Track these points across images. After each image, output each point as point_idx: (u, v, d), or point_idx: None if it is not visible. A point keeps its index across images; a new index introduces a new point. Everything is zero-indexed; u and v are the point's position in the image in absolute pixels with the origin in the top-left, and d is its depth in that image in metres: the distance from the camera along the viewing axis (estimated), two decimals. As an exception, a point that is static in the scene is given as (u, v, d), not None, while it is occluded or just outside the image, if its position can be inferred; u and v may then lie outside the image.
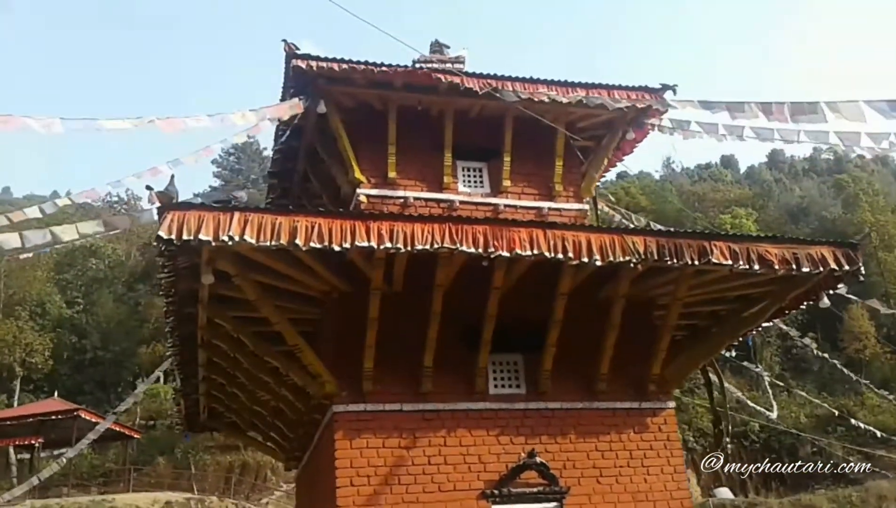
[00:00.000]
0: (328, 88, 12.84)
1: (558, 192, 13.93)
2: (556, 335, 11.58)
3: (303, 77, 12.67)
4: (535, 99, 12.96)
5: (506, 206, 13.49)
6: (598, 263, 10.52)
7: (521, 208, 13.59)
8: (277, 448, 15.71)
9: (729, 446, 15.29)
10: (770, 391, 33.70)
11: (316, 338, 11.74)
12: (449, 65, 14.29)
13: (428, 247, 10.01)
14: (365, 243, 9.83)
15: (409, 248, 9.95)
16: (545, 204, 13.76)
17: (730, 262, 10.91)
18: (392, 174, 13.26)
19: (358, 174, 13.10)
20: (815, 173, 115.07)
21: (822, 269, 11.27)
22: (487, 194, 13.74)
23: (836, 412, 36.97)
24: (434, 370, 11.43)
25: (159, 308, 53.94)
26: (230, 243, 9.43)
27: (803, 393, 42.01)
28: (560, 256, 10.41)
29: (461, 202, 13.36)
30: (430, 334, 11.19)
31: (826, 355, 26.35)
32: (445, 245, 10.07)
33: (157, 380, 52.55)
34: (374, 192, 13.13)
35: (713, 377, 15.10)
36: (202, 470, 47.14)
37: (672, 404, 12.57)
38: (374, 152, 13.35)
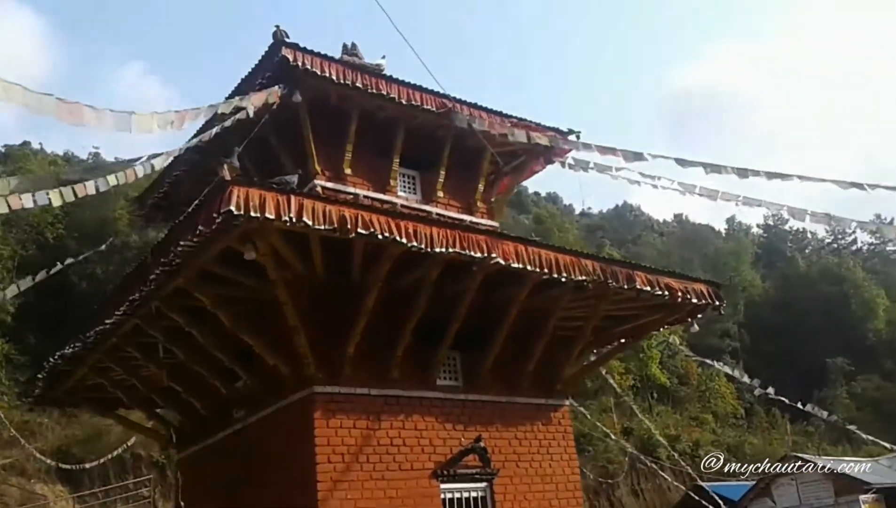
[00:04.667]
0: (305, 80, 13.25)
1: (478, 208, 15.56)
2: (504, 337, 13.19)
3: (286, 66, 12.97)
4: (488, 127, 14.44)
5: (437, 214, 14.75)
6: (563, 279, 12.39)
7: (448, 218, 14.92)
8: (168, 429, 15.41)
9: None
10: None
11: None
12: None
13: (443, 250, 11.17)
14: (399, 240, 10.75)
15: (430, 249, 11.04)
16: (466, 217, 15.26)
17: (648, 288, 13.36)
18: (347, 170, 13.97)
19: (317, 165, 13.64)
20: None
21: (702, 301, 14.18)
22: (420, 200, 14.96)
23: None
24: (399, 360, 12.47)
25: None
26: (288, 224, 9.87)
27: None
28: (537, 269, 12.10)
29: (401, 206, 14.40)
30: (408, 326, 12.23)
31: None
32: (456, 250, 11.30)
33: None
34: (329, 185, 13.72)
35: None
36: None
37: (568, 402, 14.79)
38: (329, 147, 13.94)
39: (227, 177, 9.73)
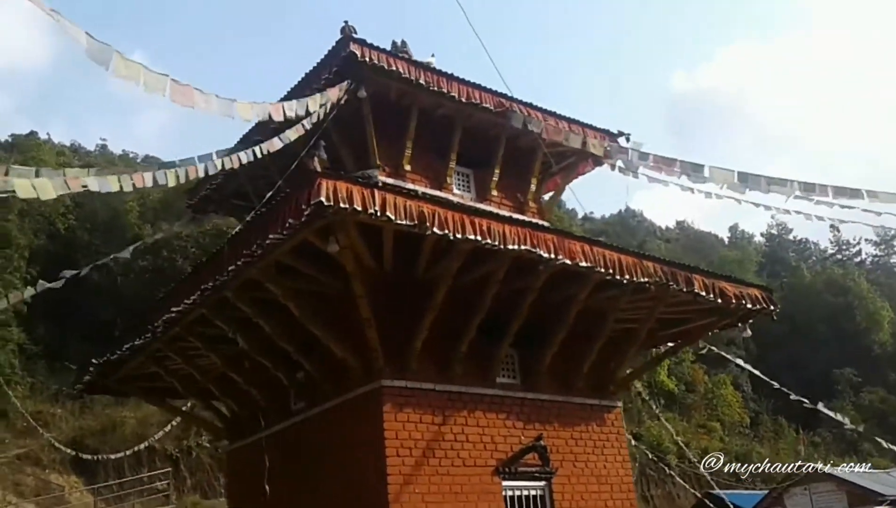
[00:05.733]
0: (369, 75, 13.35)
1: (529, 207, 15.65)
2: (563, 336, 13.27)
3: (353, 61, 13.06)
4: (544, 128, 14.52)
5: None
6: (626, 280, 12.47)
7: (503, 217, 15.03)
8: (220, 419, 15.46)
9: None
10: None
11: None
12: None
13: (516, 247, 11.25)
14: (472, 237, 10.83)
15: (503, 246, 11.12)
16: (518, 216, 15.29)
17: (704, 293, 13.43)
18: (407, 167, 14.07)
19: (378, 161, 13.72)
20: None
21: (756, 306, 14.26)
22: (474, 198, 15.05)
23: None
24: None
25: None
26: (373, 217, 9.96)
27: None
28: (601, 270, 12.18)
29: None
30: (473, 322, 12.30)
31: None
32: (527, 247, 11.38)
33: None
34: (389, 180, 13.76)
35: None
36: None
37: (620, 403, 14.87)
38: (389, 143, 14.04)
39: (318, 169, 9.79)
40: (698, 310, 14.64)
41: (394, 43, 16.14)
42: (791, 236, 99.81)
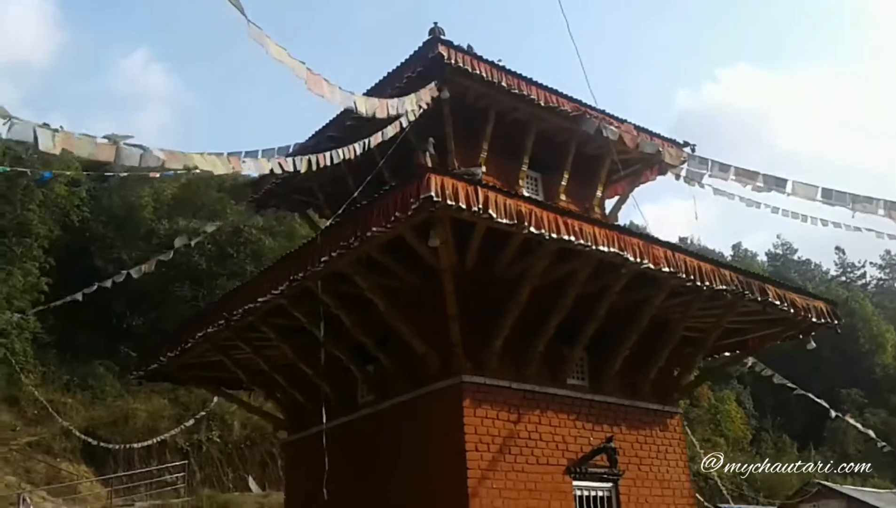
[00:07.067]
0: (452, 77, 13.46)
1: (595, 213, 15.75)
2: (633, 340, 13.37)
3: (439, 62, 13.17)
4: (622, 135, 14.66)
5: (560, 217, 14.93)
6: (704, 287, 12.59)
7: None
8: (283, 410, 15.57)
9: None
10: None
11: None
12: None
13: (605, 249, 11.36)
14: (566, 237, 10.94)
15: (595, 247, 11.22)
16: (594, 221, 15.43)
17: (778, 303, 13.55)
18: (483, 168, 14.14)
19: (455, 161, 13.82)
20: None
21: (821, 319, 14.39)
22: (542, 202, 15.14)
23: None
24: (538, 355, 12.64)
25: None
26: (476, 214, 10.07)
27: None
28: (682, 275, 12.31)
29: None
30: (552, 322, 12.39)
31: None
32: (615, 250, 11.49)
33: None
34: (464, 181, 13.87)
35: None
36: None
37: (681, 410, 14.97)
38: (465, 144, 14.14)
39: (429, 164, 9.92)
40: (764, 320, 14.75)
41: (459, 47, 16.29)
42: (795, 257, 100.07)
